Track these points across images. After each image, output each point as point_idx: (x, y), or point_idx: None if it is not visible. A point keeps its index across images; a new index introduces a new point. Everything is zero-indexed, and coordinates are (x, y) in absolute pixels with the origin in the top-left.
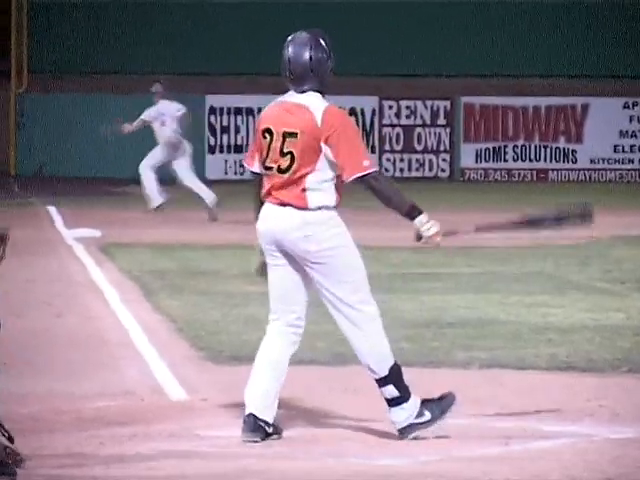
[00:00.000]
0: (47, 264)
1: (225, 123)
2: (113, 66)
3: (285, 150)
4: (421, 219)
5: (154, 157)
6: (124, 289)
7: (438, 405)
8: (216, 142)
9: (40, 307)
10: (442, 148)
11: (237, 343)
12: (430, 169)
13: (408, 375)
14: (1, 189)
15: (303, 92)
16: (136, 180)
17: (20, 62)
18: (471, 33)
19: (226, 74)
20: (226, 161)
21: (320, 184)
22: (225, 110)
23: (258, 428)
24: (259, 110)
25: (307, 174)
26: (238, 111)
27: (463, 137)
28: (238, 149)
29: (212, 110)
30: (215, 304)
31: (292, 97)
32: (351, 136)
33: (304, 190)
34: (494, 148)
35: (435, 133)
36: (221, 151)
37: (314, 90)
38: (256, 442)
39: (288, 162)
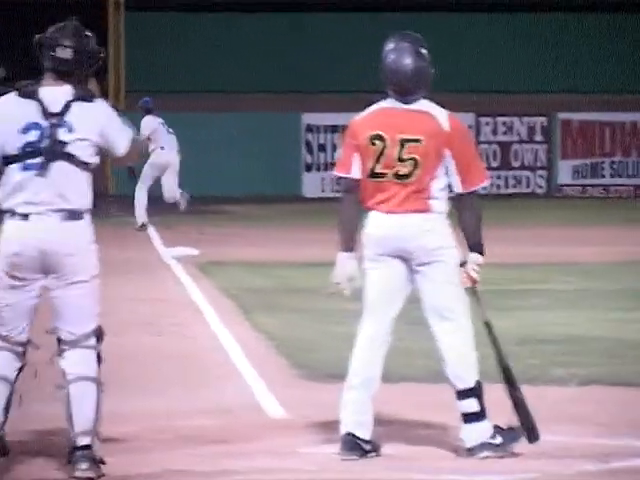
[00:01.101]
0: (146, 283)
1: (322, 141)
2: (209, 85)
3: (405, 156)
4: (479, 257)
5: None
6: (222, 307)
7: (507, 434)
8: (313, 160)
9: (139, 326)
10: (539, 164)
11: (334, 361)
12: (527, 186)
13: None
14: (99, 209)
15: (409, 100)
16: (233, 198)
17: (118, 82)
18: (567, 49)
19: (322, 92)
20: (323, 179)
21: (441, 192)
22: (322, 128)
23: (355, 446)
24: None
25: (430, 181)
26: (335, 129)
27: (560, 153)
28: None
29: (309, 128)
30: (312, 322)
31: (400, 104)
32: (473, 145)
33: (428, 198)
34: (591, 164)
35: (532, 149)
36: (318, 169)
37: (421, 97)
38: (354, 460)
39: (410, 168)
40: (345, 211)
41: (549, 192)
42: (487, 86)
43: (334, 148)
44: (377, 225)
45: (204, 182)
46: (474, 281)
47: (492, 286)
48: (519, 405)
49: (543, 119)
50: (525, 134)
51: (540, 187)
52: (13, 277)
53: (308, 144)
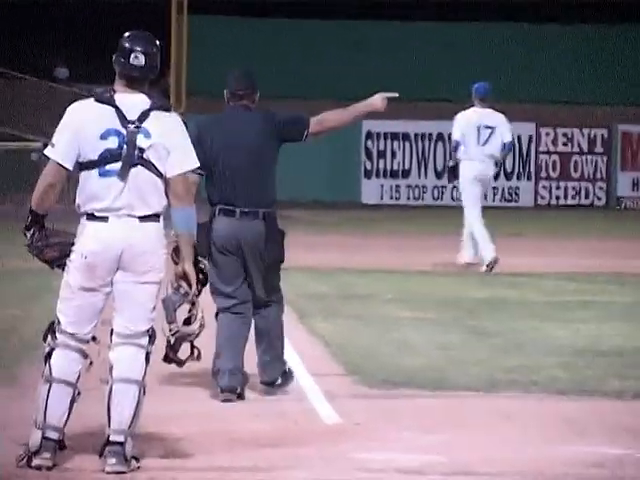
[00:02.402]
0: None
1: (382, 148)
2: (269, 90)
3: None
4: None
5: None
6: None
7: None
8: (372, 167)
9: None
10: (599, 176)
11: (391, 368)
12: (586, 197)
13: (564, 403)
14: None
15: None
16: (292, 204)
17: (179, 83)
18: (629, 61)
19: None
20: (382, 186)
21: None
22: (382, 135)
23: None
24: (416, 135)
25: None
26: (395, 136)
27: (620, 165)
28: (394, 174)
29: (369, 135)
30: (369, 328)
31: None
32: None
33: None
34: None
35: (592, 161)
36: (377, 176)
37: None
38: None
39: None
40: None
41: (608, 204)
42: (548, 96)
43: (394, 155)
44: None
45: None
46: None
47: (550, 297)
48: None
49: (603, 130)
50: (585, 145)
51: (599, 199)
52: (86, 279)
53: (368, 151)
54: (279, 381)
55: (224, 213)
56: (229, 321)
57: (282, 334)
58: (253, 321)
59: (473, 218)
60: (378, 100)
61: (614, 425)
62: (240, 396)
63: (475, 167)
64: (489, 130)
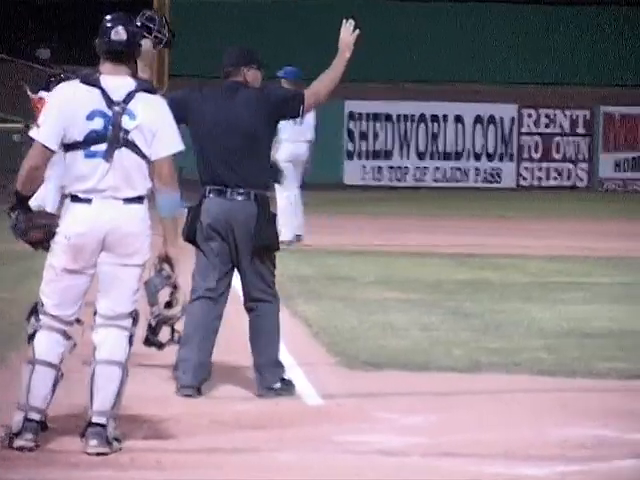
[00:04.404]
0: (183, 267)
1: (364, 129)
2: None
3: None
4: None
5: None
6: None
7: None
8: (354, 148)
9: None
10: (581, 157)
11: (373, 349)
12: (568, 178)
13: (548, 385)
14: None
15: None
16: None
17: (161, 65)
18: (612, 42)
19: (366, 80)
20: (364, 167)
21: None
22: (364, 116)
23: None
24: (398, 117)
25: None
26: (377, 117)
27: (602, 147)
28: (376, 155)
29: (351, 115)
30: (352, 310)
31: None
32: None
33: None
34: (634, 158)
35: (574, 142)
36: (359, 157)
37: None
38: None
39: None
40: None
41: (590, 185)
42: (530, 78)
43: (376, 136)
44: None
45: None
46: None
47: (535, 278)
48: None
49: (586, 112)
50: (567, 126)
51: (581, 180)
52: (70, 261)
53: (350, 131)
54: (278, 385)
55: (215, 193)
56: (204, 310)
57: (278, 336)
58: (248, 320)
59: (283, 198)
60: (344, 39)
61: (599, 407)
62: (199, 391)
63: (290, 149)
64: None
